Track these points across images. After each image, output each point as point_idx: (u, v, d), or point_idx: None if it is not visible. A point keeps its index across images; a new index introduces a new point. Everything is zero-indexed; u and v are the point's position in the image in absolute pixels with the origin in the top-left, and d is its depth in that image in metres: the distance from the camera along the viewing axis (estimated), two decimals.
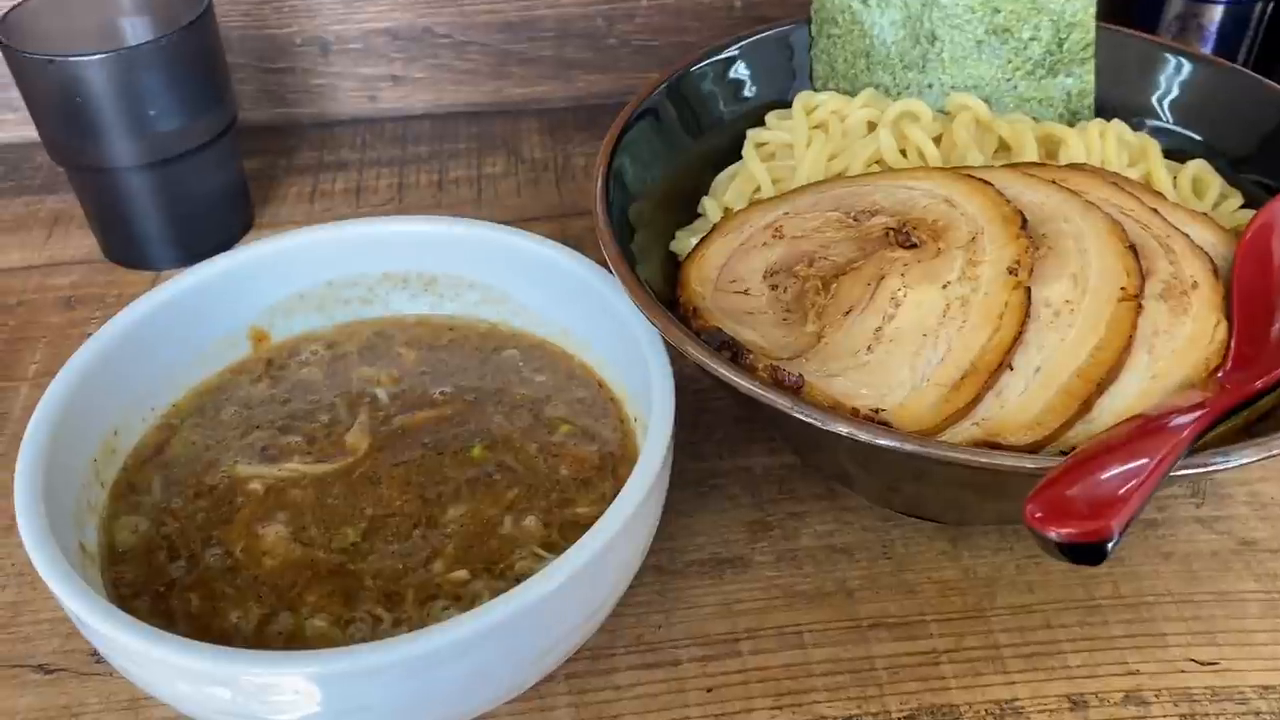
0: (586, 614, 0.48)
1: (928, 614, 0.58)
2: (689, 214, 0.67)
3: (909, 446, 0.45)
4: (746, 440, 0.69)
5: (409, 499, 0.55)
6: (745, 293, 0.57)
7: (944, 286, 0.52)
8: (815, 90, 0.71)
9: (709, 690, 0.55)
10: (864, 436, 0.46)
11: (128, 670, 0.46)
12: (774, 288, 0.57)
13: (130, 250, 0.81)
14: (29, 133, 0.90)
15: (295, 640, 0.49)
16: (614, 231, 0.57)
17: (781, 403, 0.48)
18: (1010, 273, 0.52)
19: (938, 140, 0.65)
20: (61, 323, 0.79)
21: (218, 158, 0.79)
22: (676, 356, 0.54)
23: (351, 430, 0.59)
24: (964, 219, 0.55)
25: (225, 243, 0.82)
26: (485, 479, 0.56)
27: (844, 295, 0.55)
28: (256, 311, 0.61)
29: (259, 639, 0.49)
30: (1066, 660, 0.55)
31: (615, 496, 0.47)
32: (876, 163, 0.64)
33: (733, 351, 0.53)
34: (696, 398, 0.70)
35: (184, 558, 0.53)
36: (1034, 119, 0.68)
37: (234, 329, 0.60)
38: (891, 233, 0.56)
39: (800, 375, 0.51)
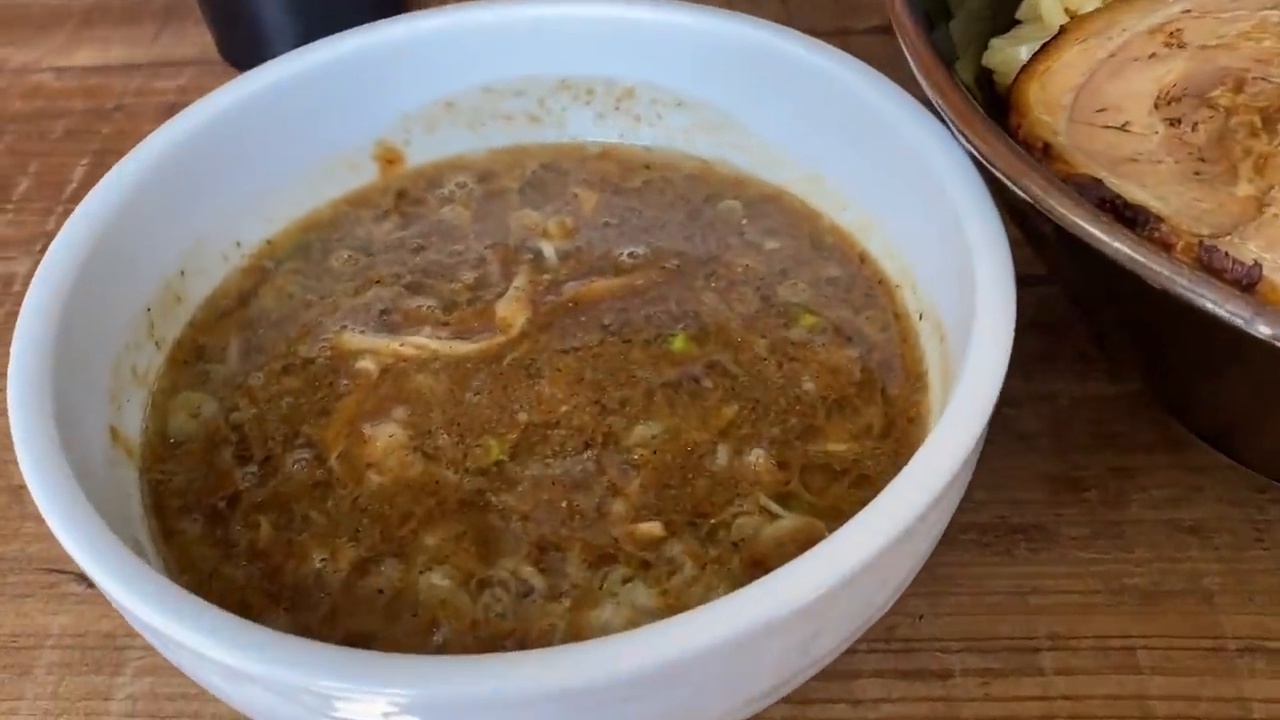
0: (853, 628, 0.30)
1: None
2: (1004, 18, 0.46)
3: None
4: (1047, 354, 0.48)
5: (580, 404, 0.38)
6: (1123, 128, 0.36)
7: None
8: None
9: None
10: None
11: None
12: (1173, 123, 0.36)
13: (249, 46, 0.65)
14: None
15: (401, 603, 0.33)
16: (914, 19, 0.37)
17: (1237, 311, 0.27)
18: None
19: None
20: (86, 109, 0.63)
21: None
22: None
23: (504, 298, 0.41)
24: None
25: None
26: (691, 385, 0.38)
27: None
28: (387, 121, 0.44)
29: (348, 598, 0.33)
30: None
31: (885, 431, 0.35)
32: None
33: (1127, 216, 0.32)
34: None
35: (257, 461, 0.37)
36: None
37: (355, 143, 0.44)
38: None
39: (1257, 264, 0.30)
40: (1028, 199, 0.32)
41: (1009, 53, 0.42)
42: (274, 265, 0.44)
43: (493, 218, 0.45)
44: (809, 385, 0.38)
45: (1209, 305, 0.28)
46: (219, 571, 0.34)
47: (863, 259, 0.42)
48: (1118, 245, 0.29)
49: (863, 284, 0.41)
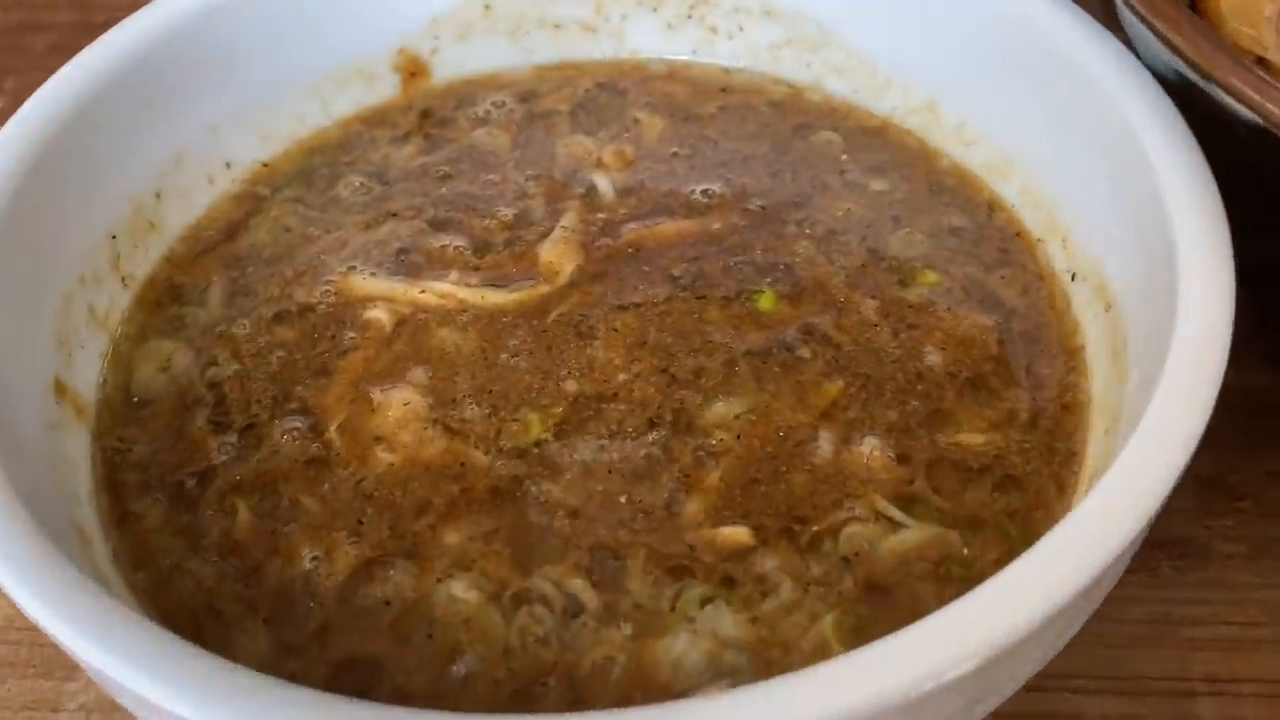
0: (1013, 689, 0.23)
1: None
2: None
3: None
4: None
5: (643, 373, 0.30)
6: None
7: None
8: None
9: None
10: None
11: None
12: None
13: None
14: None
15: (414, 619, 0.26)
16: None
17: None
18: None
19: None
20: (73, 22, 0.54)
21: None
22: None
23: (550, 239, 0.34)
24: None
25: None
26: (783, 354, 0.30)
27: None
28: (412, 23, 0.37)
29: (345, 610, 0.26)
30: None
31: (1033, 420, 0.29)
32: None
33: None
34: None
35: (237, 430, 0.29)
36: None
37: (372, 49, 0.37)
38: None
39: None
40: (1258, 116, 0.24)
41: None
42: (270, 192, 0.36)
43: (536, 144, 0.37)
44: (933, 359, 0.30)
45: None
46: (183, 567, 0.27)
47: (992, 207, 0.34)
48: None
49: (995, 235, 0.33)
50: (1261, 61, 0.27)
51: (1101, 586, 0.21)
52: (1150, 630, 0.35)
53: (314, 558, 0.27)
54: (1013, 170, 0.34)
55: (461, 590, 0.26)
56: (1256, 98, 0.24)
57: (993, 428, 0.29)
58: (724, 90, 0.39)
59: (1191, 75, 0.26)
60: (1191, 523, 0.37)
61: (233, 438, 0.29)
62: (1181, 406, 0.23)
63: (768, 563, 0.26)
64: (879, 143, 0.37)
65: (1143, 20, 0.27)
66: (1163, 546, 0.36)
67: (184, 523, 0.27)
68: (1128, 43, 0.31)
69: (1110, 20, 0.33)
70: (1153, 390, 0.24)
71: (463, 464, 0.28)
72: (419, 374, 0.30)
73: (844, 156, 0.36)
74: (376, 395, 0.30)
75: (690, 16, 0.39)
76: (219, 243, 0.34)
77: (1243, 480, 0.38)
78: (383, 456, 0.29)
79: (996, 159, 0.34)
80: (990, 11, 0.33)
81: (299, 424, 0.29)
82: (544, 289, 0.32)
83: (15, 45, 0.57)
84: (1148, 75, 0.29)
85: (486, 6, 0.38)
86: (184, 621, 0.26)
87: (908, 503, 0.27)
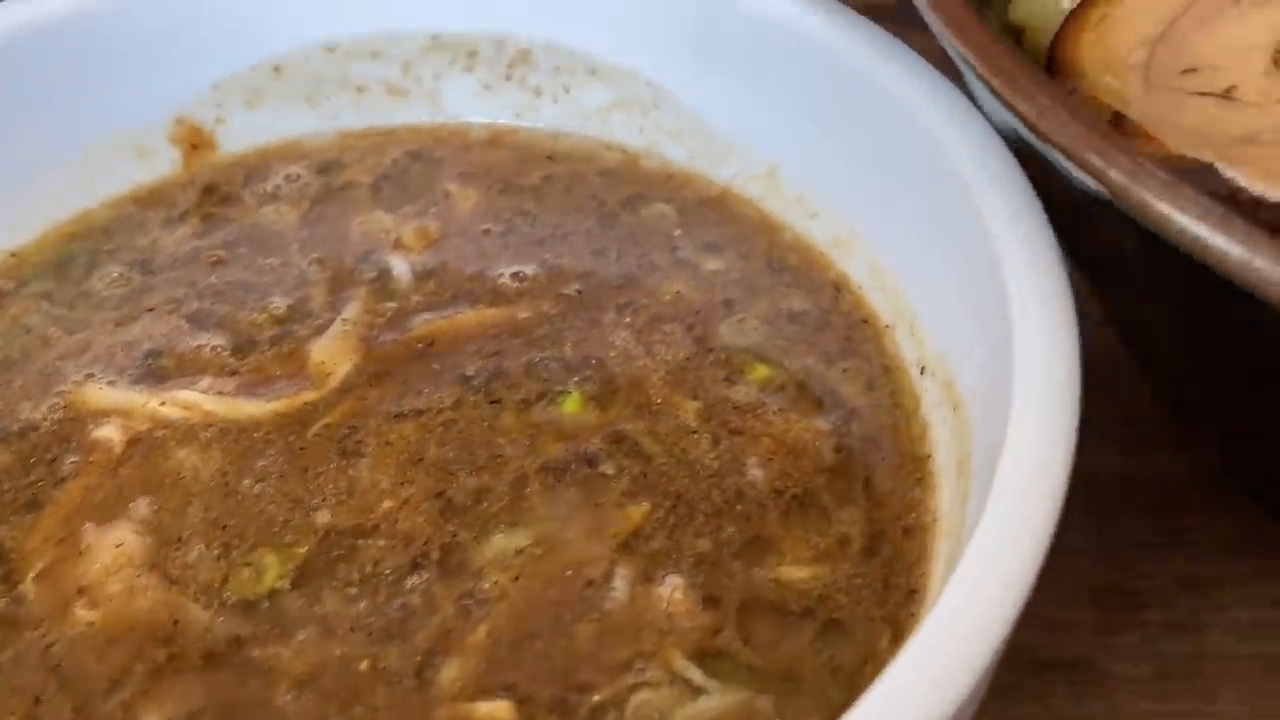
0: None
1: None
2: None
3: None
4: (1087, 418, 0.36)
5: (413, 499, 0.25)
6: (1227, 95, 0.24)
7: None
8: None
9: None
10: None
11: None
12: None
13: None
14: None
15: None
16: None
17: None
18: None
19: None
20: None
21: None
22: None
23: (326, 335, 0.29)
24: None
25: None
26: (583, 471, 0.26)
27: None
28: (190, 91, 0.32)
29: None
30: None
31: (870, 548, 0.24)
32: None
33: (1263, 218, 0.20)
34: None
35: None
36: None
37: (146, 120, 0.32)
38: None
39: None
40: (1103, 189, 0.19)
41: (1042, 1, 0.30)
42: (14, 286, 0.31)
43: (327, 222, 0.33)
44: (756, 473, 0.26)
45: None
46: None
47: (838, 287, 0.30)
48: (1256, 262, 0.17)
49: (840, 321, 0.29)
50: (1118, 119, 0.23)
51: None
52: None
53: None
54: (858, 246, 0.29)
55: None
56: (1099, 164, 0.19)
57: (820, 558, 0.24)
58: (550, 158, 0.34)
59: (1031, 139, 0.21)
60: (1089, 641, 0.32)
61: None
62: (1008, 544, 0.18)
63: None
64: (717, 215, 0.32)
65: (977, 76, 0.23)
66: (1057, 669, 0.32)
67: None
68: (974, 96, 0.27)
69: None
70: (981, 513, 0.19)
71: (176, 621, 0.23)
72: (142, 507, 0.25)
73: (677, 232, 0.32)
74: (89, 535, 0.25)
75: (509, 77, 0.34)
76: None
77: (1148, 587, 0.34)
78: (81, 614, 0.23)
79: (841, 233, 0.30)
80: (826, 65, 0.28)
81: None
82: (309, 396, 0.28)
83: None
84: (995, 138, 0.25)
85: (276, 69, 0.34)
86: None
87: (713, 658, 0.22)
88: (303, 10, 0.33)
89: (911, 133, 0.26)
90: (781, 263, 0.31)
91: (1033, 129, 0.21)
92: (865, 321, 0.29)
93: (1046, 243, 0.23)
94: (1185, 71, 0.25)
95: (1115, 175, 0.19)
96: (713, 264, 0.31)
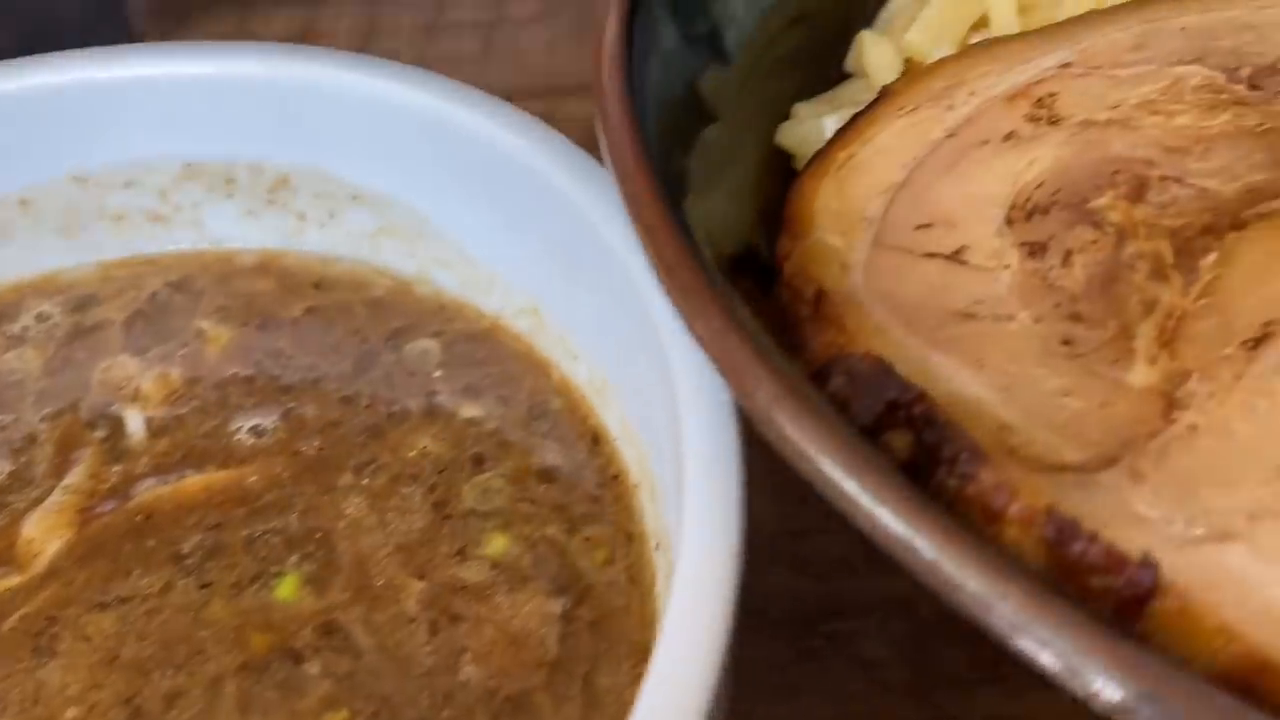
0: None
1: None
2: (823, 75, 0.32)
3: None
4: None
5: (100, 706, 0.23)
6: (956, 257, 0.23)
7: None
8: None
9: None
10: None
11: None
12: (1033, 251, 0.22)
13: None
14: None
15: None
16: (629, 106, 0.23)
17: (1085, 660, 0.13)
18: None
19: None
20: None
21: None
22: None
23: (42, 508, 0.27)
24: None
25: None
26: (286, 669, 0.24)
27: (1238, 289, 0.19)
28: None
29: None
30: None
31: None
32: None
33: (926, 441, 0.18)
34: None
35: None
36: None
37: None
38: None
39: (1149, 561, 0.16)
40: (742, 404, 0.17)
41: (811, 126, 0.28)
42: None
43: (73, 368, 0.30)
44: (470, 670, 0.23)
45: (1046, 659, 0.14)
46: None
47: (596, 439, 0.28)
48: (885, 522, 0.15)
49: (590, 479, 0.27)
50: (818, 300, 0.21)
51: None
52: None
53: None
54: (610, 394, 0.27)
55: None
56: (745, 389, 0.17)
57: None
58: (318, 286, 0.32)
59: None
60: None
61: None
62: None
63: None
64: (484, 352, 0.30)
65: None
66: None
67: None
68: None
69: None
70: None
71: None
72: None
73: (438, 372, 0.30)
74: None
75: (272, 202, 0.32)
76: None
77: None
78: None
79: (596, 378, 0.28)
80: (558, 210, 0.26)
81: None
82: (12, 581, 0.25)
83: None
84: None
85: (23, 203, 0.32)
86: None
87: None
88: (46, 142, 0.31)
89: (629, 287, 0.24)
90: (544, 408, 0.29)
91: (694, 334, 0.19)
92: (616, 478, 0.27)
93: (729, 426, 0.21)
94: (920, 227, 0.23)
95: (759, 397, 0.17)
96: (470, 410, 0.29)
